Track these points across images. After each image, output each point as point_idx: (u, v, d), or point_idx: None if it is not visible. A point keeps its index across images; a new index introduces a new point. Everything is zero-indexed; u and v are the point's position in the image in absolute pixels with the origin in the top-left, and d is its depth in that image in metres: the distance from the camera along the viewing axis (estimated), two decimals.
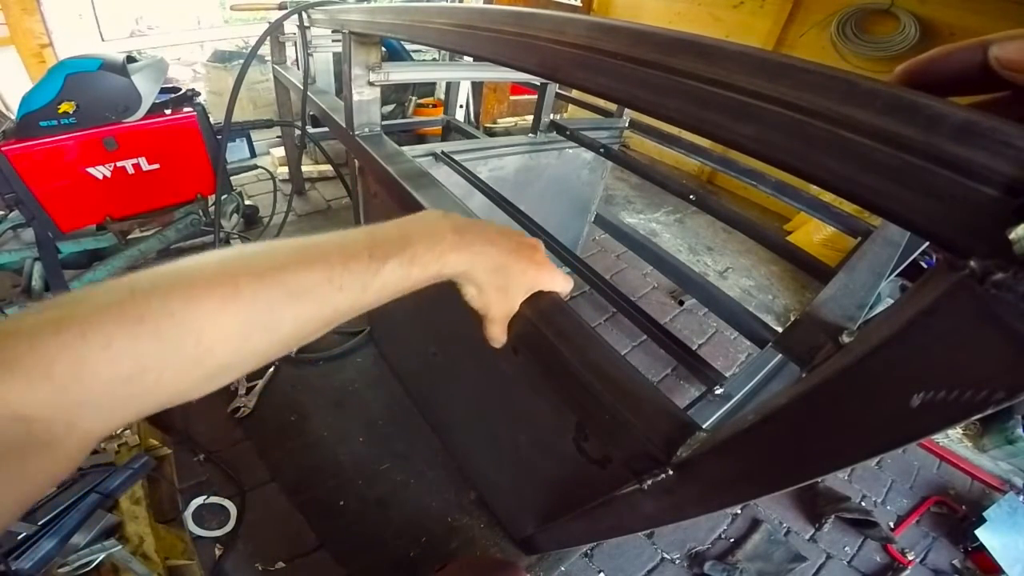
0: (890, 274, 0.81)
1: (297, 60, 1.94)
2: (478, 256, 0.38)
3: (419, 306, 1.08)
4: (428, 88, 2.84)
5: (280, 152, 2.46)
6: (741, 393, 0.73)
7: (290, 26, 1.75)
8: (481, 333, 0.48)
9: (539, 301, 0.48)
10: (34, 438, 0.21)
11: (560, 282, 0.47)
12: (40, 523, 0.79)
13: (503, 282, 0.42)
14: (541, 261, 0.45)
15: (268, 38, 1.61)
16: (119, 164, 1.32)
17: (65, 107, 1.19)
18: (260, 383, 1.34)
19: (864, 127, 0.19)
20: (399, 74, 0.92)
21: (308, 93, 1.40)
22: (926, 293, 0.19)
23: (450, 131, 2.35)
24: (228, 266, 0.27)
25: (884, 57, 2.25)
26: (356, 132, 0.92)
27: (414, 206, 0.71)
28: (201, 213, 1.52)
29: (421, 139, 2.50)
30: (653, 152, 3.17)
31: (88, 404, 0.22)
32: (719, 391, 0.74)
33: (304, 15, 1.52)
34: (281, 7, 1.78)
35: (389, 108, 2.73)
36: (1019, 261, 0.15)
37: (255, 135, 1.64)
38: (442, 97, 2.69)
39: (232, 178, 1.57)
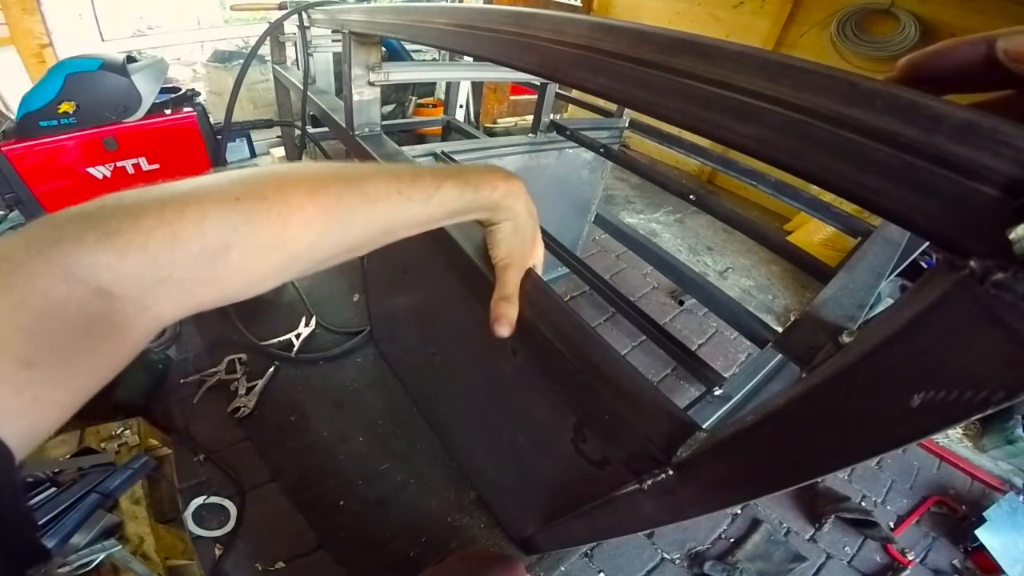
0: (890, 274, 0.81)
1: (297, 60, 1.94)
2: (521, 191, 0.44)
3: (419, 306, 1.08)
4: (428, 88, 2.84)
5: (280, 152, 2.46)
6: (741, 393, 0.72)
7: (290, 26, 1.74)
8: (486, 332, 0.46)
9: (538, 300, 0.48)
10: (109, 316, 0.22)
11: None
12: (40, 523, 0.79)
13: (531, 230, 0.47)
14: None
15: (268, 38, 1.61)
16: (119, 164, 1.33)
17: (65, 107, 1.19)
18: (260, 383, 1.34)
19: (864, 127, 0.19)
20: (399, 74, 0.92)
21: (308, 93, 1.39)
22: (926, 293, 0.19)
23: (450, 131, 2.34)
24: (316, 168, 0.31)
25: (884, 57, 2.25)
26: (356, 132, 0.92)
27: None
28: None
29: (421, 139, 2.50)
30: (653, 152, 3.16)
31: (170, 281, 0.23)
32: (719, 392, 0.74)
33: (304, 15, 1.52)
34: (281, 7, 1.77)
35: (389, 108, 2.73)
36: (1019, 261, 0.15)
37: (255, 135, 1.64)
38: (442, 97, 2.69)
39: None
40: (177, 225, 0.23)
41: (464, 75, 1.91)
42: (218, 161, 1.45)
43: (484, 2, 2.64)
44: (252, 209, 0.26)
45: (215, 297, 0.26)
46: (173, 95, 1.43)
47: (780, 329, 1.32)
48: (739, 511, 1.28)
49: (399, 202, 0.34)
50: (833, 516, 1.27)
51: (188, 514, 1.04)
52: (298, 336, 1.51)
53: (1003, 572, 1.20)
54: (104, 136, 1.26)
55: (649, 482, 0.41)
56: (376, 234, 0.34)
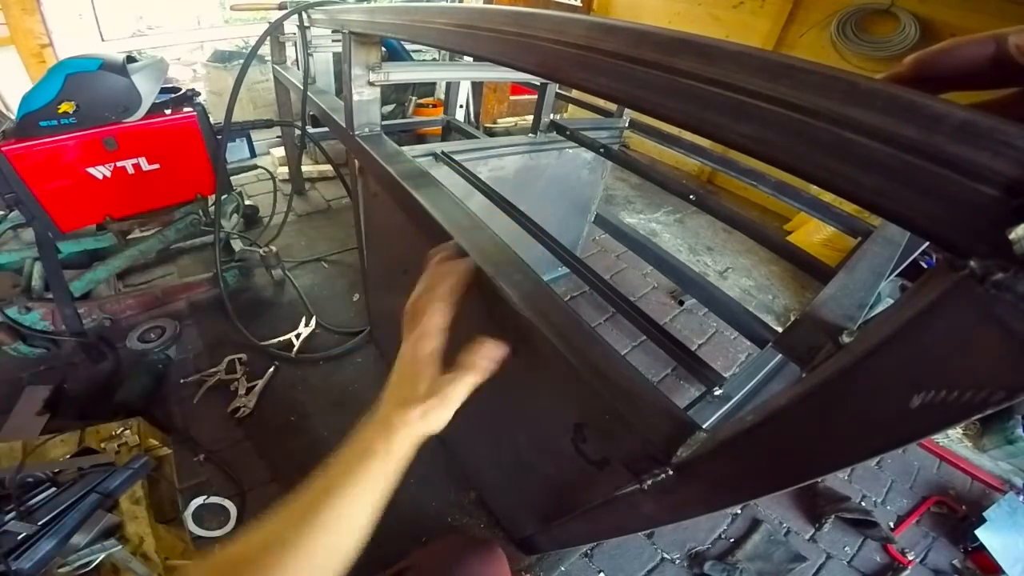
0: (890, 274, 0.81)
1: (297, 60, 1.94)
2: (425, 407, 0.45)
3: None
4: (428, 88, 2.84)
5: (280, 152, 2.46)
6: (741, 393, 0.72)
7: (290, 26, 1.75)
8: (486, 332, 0.48)
9: (538, 300, 0.48)
10: None
11: (490, 353, 0.48)
12: (40, 523, 0.79)
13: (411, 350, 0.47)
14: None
15: (268, 38, 1.61)
16: (119, 164, 1.32)
17: (65, 107, 1.18)
18: (260, 383, 1.34)
19: (864, 127, 0.19)
20: (399, 74, 0.92)
21: (308, 93, 1.39)
22: (926, 293, 0.19)
23: (450, 131, 2.35)
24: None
25: (884, 57, 2.24)
26: (356, 132, 0.92)
27: (414, 206, 0.71)
28: (201, 213, 1.52)
29: (421, 139, 2.50)
30: (653, 152, 3.16)
31: None
32: (719, 392, 0.74)
33: (304, 15, 1.52)
34: (281, 7, 1.78)
35: (389, 108, 2.73)
36: (1019, 261, 0.15)
37: (255, 135, 1.64)
38: (442, 97, 2.69)
39: (232, 178, 1.56)
40: None
41: (464, 75, 1.91)
42: (218, 161, 1.45)
43: (484, 2, 2.65)
44: None
45: None
46: (173, 95, 1.43)
47: (780, 329, 1.32)
48: (739, 511, 1.28)
49: (335, 524, 0.39)
50: (833, 516, 1.27)
51: (188, 514, 1.04)
52: (298, 336, 1.51)
53: (1003, 572, 1.20)
54: (104, 136, 1.26)
55: (649, 482, 0.41)
56: (352, 531, 0.40)
